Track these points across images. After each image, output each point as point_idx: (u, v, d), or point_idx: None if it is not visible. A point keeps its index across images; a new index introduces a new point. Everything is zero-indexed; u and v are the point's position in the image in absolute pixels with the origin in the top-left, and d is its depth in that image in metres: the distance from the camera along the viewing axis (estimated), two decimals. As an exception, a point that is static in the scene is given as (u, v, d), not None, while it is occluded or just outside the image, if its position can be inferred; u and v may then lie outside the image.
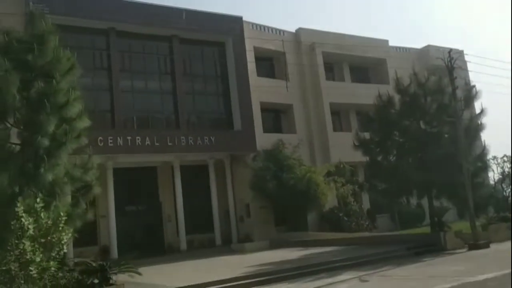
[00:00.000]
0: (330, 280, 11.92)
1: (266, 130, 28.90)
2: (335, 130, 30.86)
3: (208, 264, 18.45)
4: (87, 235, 25.02)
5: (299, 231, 25.78)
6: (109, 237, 23.81)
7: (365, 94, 27.48)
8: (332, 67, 33.29)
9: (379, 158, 19.11)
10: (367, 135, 19.61)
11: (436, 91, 18.31)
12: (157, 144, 23.78)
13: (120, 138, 23.00)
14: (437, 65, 33.88)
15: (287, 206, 25.82)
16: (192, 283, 12.34)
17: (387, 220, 29.49)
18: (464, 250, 16.04)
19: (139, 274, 11.33)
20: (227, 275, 13.45)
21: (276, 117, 31.25)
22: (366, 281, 11.21)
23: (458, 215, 21.92)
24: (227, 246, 25.61)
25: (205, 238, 26.72)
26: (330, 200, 27.14)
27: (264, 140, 27.29)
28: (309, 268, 14.04)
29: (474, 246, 16.01)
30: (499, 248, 15.59)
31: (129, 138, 23.19)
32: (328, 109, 30.66)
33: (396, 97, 19.49)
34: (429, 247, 16.49)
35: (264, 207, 26.38)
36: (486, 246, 16.04)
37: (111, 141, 22.73)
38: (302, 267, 14.21)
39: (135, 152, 23.39)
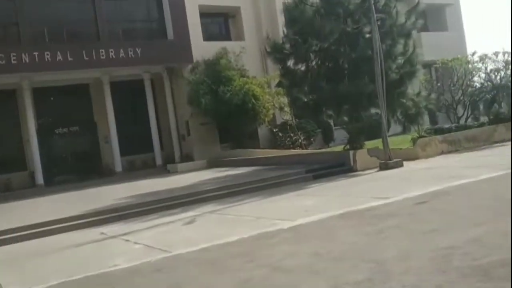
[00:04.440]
0: (164, 219, 10.03)
1: (210, 37, 26.04)
2: (291, 34, 27.54)
3: (106, 191, 16.83)
4: (15, 161, 23.90)
5: (247, 148, 23.89)
6: (33, 162, 22.42)
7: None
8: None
9: (300, 67, 16.38)
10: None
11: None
12: (71, 59, 21.34)
13: (25, 55, 20.60)
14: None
15: (227, 123, 23.75)
16: (20, 225, 10.68)
17: (344, 133, 27.23)
18: (374, 170, 13.80)
19: None
20: (78, 212, 11.73)
21: (225, 23, 28.06)
22: (194, 222, 9.25)
23: (404, 128, 19.23)
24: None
25: (148, 158, 25.25)
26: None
27: (206, 49, 24.51)
28: (175, 200, 12.14)
29: (384, 166, 13.73)
30: (408, 169, 13.26)
31: (36, 54, 20.74)
32: (281, 10, 27.09)
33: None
34: (337, 168, 14.31)
35: (204, 123, 24.33)
36: (399, 165, 13.70)
37: (14, 58, 20.39)
38: (167, 199, 12.30)
39: (45, 70, 21.08)
